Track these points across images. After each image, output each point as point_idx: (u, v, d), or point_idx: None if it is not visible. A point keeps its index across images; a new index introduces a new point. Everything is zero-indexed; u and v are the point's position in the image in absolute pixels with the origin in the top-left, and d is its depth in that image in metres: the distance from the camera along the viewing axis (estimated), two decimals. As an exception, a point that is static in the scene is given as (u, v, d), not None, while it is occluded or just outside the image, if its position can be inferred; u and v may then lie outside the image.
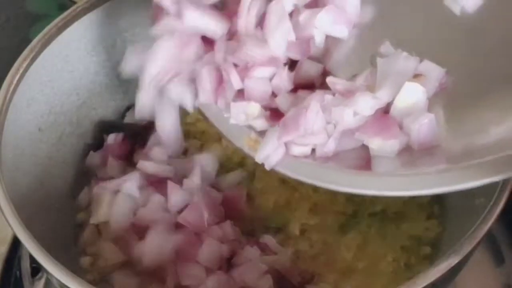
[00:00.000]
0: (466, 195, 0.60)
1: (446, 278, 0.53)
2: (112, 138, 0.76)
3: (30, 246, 0.56)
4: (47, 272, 0.55)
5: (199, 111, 0.61)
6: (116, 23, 0.75)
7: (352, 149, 0.54)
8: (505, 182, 0.56)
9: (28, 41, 0.69)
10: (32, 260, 0.69)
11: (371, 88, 0.54)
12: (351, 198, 0.69)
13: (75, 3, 0.74)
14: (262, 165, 0.56)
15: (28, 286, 0.73)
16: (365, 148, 0.54)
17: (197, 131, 0.77)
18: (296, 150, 0.55)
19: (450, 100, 0.55)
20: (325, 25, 0.58)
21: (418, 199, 0.68)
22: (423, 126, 0.52)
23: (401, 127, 0.53)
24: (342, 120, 0.53)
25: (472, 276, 0.66)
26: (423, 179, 0.51)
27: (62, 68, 0.72)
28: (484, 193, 0.56)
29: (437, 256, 0.63)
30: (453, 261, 0.52)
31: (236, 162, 0.74)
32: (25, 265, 0.74)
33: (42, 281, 0.73)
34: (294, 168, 0.55)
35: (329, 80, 0.56)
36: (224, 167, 0.73)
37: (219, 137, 0.76)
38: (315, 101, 0.54)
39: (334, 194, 0.69)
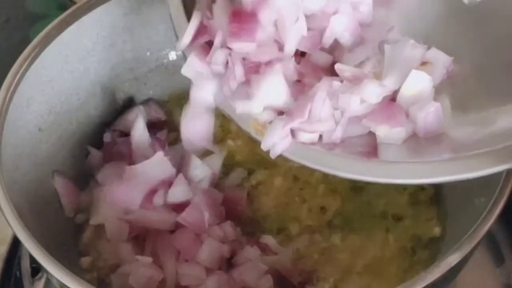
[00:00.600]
0: (466, 195, 0.60)
1: (446, 278, 0.53)
2: (108, 136, 0.76)
3: (30, 246, 0.56)
4: (47, 272, 0.55)
5: None
6: (116, 23, 0.75)
7: (359, 135, 0.54)
8: (505, 182, 0.56)
9: (28, 41, 0.69)
10: (32, 260, 0.69)
11: (378, 75, 0.54)
12: (351, 198, 0.69)
13: (75, 3, 0.74)
14: (268, 152, 0.56)
15: (28, 286, 0.73)
16: (372, 135, 0.54)
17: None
18: (304, 137, 0.55)
19: (457, 88, 0.55)
20: (336, 28, 0.58)
21: (419, 198, 0.68)
22: (429, 114, 0.52)
23: (407, 114, 0.53)
24: (349, 107, 0.53)
25: (472, 276, 0.66)
26: (429, 167, 0.51)
27: (62, 68, 0.72)
28: (484, 192, 0.56)
29: (437, 256, 0.63)
30: (453, 261, 0.52)
31: (237, 162, 0.74)
32: (25, 265, 0.74)
33: (42, 281, 0.73)
34: (300, 154, 0.55)
35: (337, 67, 0.56)
36: (225, 168, 0.73)
37: (220, 137, 0.76)
38: (322, 89, 0.54)
39: (331, 194, 0.70)
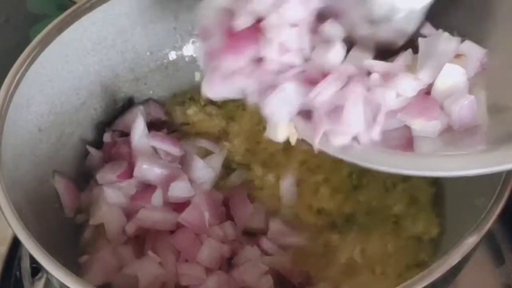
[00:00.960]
0: (466, 195, 0.60)
1: (446, 278, 0.53)
2: (108, 136, 0.76)
3: (30, 246, 0.56)
4: (47, 272, 0.55)
5: None
6: (116, 23, 0.75)
7: (394, 129, 0.54)
8: (505, 181, 0.56)
9: (28, 41, 0.69)
10: (32, 260, 0.69)
11: (411, 68, 0.54)
12: (351, 198, 0.69)
13: (75, 3, 0.74)
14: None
15: (28, 286, 0.73)
16: (406, 127, 0.54)
17: (198, 132, 0.77)
18: (336, 140, 0.54)
19: (491, 80, 0.54)
20: None
21: (419, 198, 0.68)
22: (464, 107, 0.51)
23: (441, 107, 0.53)
24: (385, 102, 0.53)
25: (472, 276, 0.66)
26: (465, 160, 0.50)
27: (62, 68, 0.72)
28: (484, 192, 0.56)
29: (437, 256, 0.63)
30: (453, 261, 0.52)
31: (237, 162, 0.74)
32: (25, 265, 0.74)
33: (42, 281, 0.73)
34: (337, 149, 0.54)
35: (367, 62, 0.55)
36: (225, 168, 0.73)
37: (220, 137, 0.76)
38: (355, 93, 0.53)
39: (333, 193, 0.70)
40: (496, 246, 0.72)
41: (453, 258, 0.52)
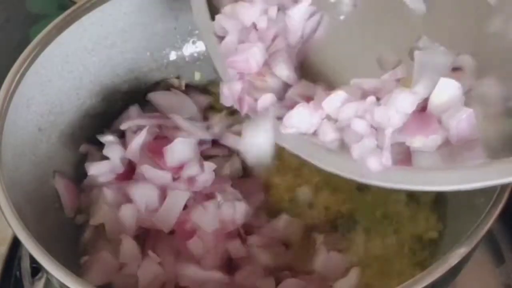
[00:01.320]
0: (466, 195, 0.60)
1: (446, 278, 0.53)
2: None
3: (30, 246, 0.56)
4: (47, 272, 0.55)
5: None
6: (116, 23, 0.75)
7: (392, 144, 0.53)
8: (505, 182, 0.56)
9: (28, 41, 0.69)
10: (32, 260, 0.69)
11: (405, 81, 0.54)
12: (353, 198, 0.69)
13: (75, 3, 0.74)
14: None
15: (28, 286, 0.73)
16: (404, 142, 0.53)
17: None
18: None
19: (487, 93, 0.54)
20: None
21: (419, 199, 0.68)
22: (462, 121, 0.51)
23: (439, 121, 0.52)
24: (389, 123, 0.52)
25: (472, 276, 0.66)
26: (465, 174, 0.50)
27: (62, 68, 0.72)
28: (484, 193, 0.56)
29: (437, 256, 0.63)
30: (453, 261, 0.52)
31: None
32: (25, 265, 0.74)
33: (42, 281, 0.73)
34: (338, 167, 0.54)
35: (354, 82, 0.55)
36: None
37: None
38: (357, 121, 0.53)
39: (334, 193, 0.70)
40: (496, 246, 0.72)
41: (453, 258, 0.52)
